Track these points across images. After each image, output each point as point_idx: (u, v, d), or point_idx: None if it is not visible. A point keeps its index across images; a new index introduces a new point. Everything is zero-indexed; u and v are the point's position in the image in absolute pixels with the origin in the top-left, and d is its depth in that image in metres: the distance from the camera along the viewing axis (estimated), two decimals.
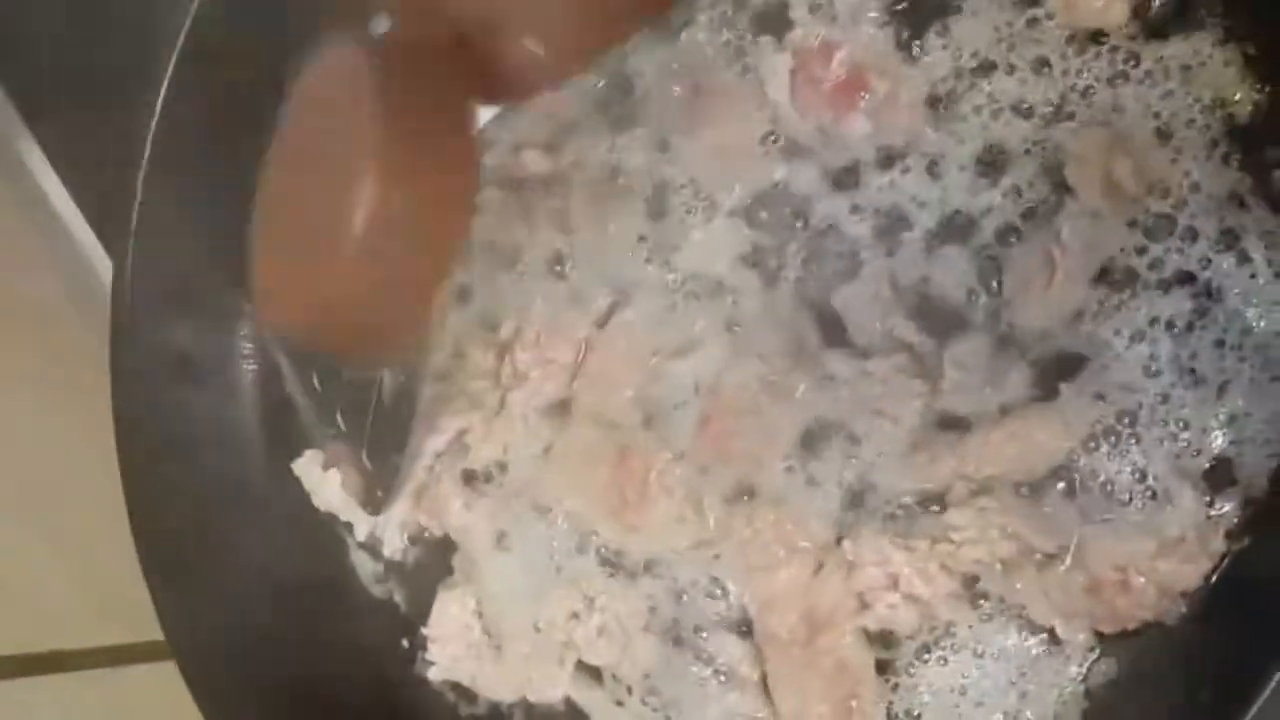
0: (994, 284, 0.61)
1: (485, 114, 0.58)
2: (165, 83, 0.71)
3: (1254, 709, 0.49)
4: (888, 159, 0.63)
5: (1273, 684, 0.48)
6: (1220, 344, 0.56)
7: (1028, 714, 0.59)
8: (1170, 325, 0.57)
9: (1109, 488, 0.57)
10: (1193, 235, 0.57)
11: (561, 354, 0.70)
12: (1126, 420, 0.57)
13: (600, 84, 0.70)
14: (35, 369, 0.85)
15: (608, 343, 0.69)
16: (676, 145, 0.68)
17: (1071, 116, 0.60)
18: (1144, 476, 0.57)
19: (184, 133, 0.73)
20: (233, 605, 0.75)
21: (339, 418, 0.71)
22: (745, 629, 0.65)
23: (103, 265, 0.86)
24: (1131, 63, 0.59)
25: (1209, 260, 0.57)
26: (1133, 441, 0.57)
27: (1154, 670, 0.57)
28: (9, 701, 0.78)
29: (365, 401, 0.68)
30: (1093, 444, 0.58)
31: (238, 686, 0.72)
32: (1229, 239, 0.56)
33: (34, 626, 0.81)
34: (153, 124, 0.71)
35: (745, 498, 0.65)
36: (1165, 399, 0.57)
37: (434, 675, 0.73)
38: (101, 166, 0.77)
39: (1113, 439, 0.57)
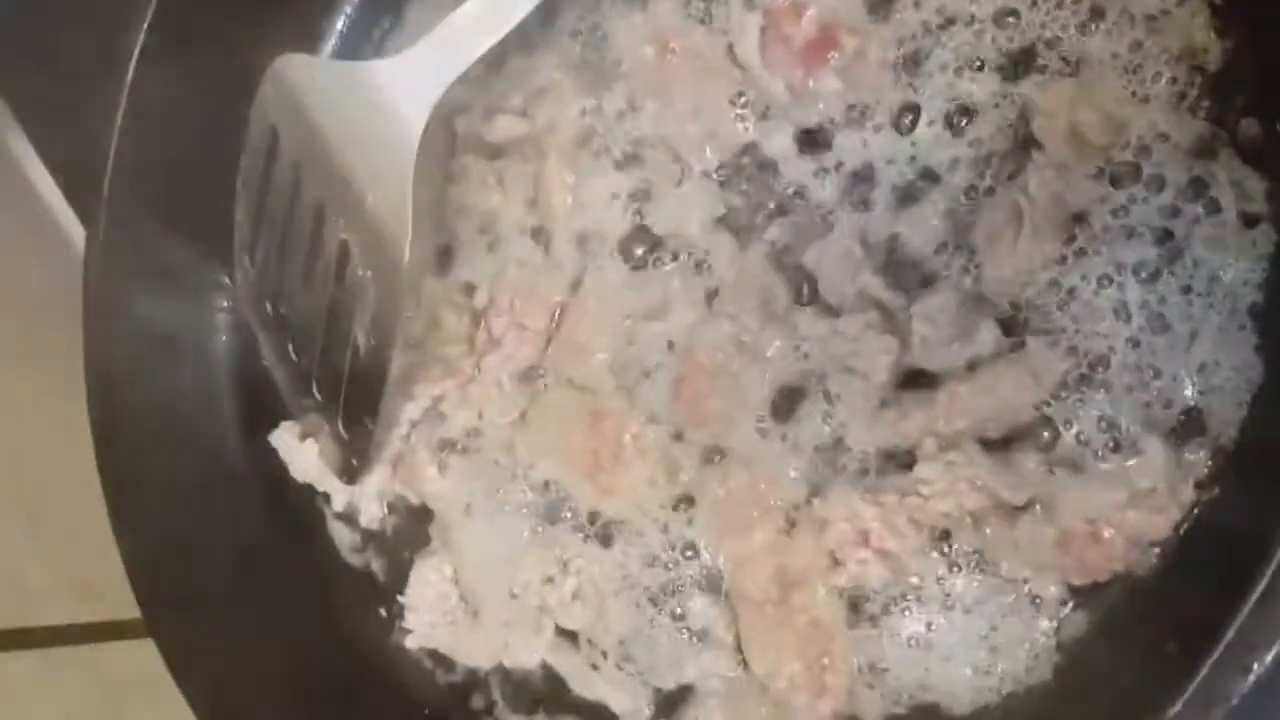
0: (963, 239, 0.60)
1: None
2: (137, 50, 0.71)
3: (1217, 655, 0.48)
4: (858, 117, 0.63)
5: (1235, 630, 0.48)
6: (1188, 290, 0.56)
7: (1000, 667, 0.58)
8: (1137, 271, 0.56)
9: (1079, 439, 0.57)
10: (1160, 184, 0.56)
11: (535, 319, 0.69)
12: (1099, 368, 0.57)
13: (575, 48, 0.70)
14: (10, 347, 0.85)
15: (581, 307, 0.69)
16: (648, 107, 0.68)
17: (1039, 69, 0.59)
18: (1113, 427, 0.56)
19: (158, 102, 0.73)
20: (210, 579, 0.74)
21: (314, 388, 0.71)
22: (718, 590, 0.64)
23: (77, 235, 0.86)
24: (1098, 14, 0.59)
25: (1177, 209, 0.56)
26: (1102, 390, 0.57)
27: (1125, 622, 0.56)
28: None
29: (339, 371, 0.68)
30: (1063, 394, 0.57)
31: (216, 660, 0.72)
32: (1197, 187, 0.56)
33: (12, 603, 0.80)
34: (125, 91, 0.71)
35: (718, 459, 0.64)
36: (1136, 344, 0.56)
37: (411, 643, 0.72)
38: (75, 133, 0.76)
39: (1083, 389, 0.57)
